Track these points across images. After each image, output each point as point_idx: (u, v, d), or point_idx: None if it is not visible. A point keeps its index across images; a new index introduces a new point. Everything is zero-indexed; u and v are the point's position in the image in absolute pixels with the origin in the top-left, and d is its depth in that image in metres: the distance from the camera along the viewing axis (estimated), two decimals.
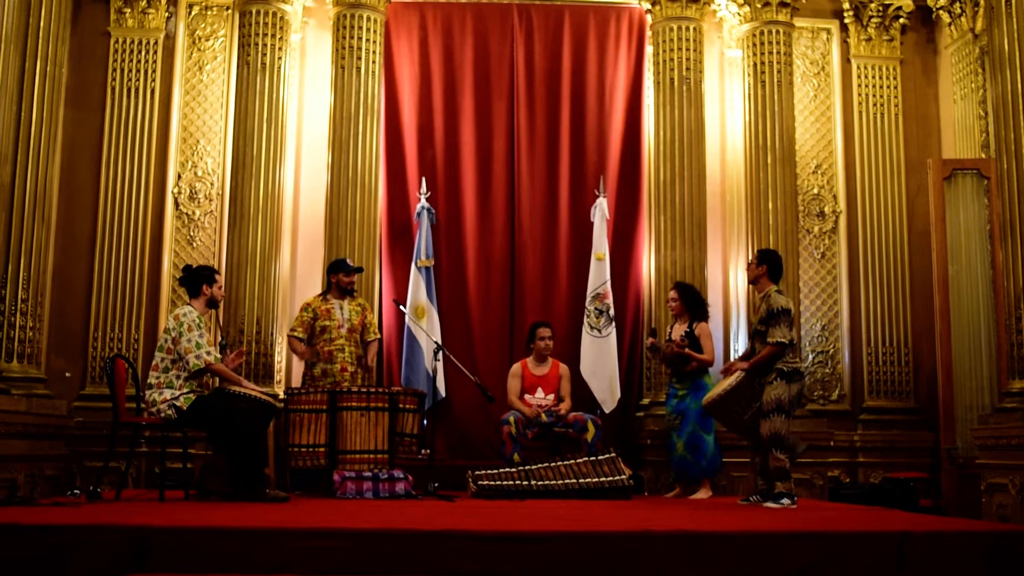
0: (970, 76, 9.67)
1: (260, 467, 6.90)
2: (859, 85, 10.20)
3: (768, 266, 7.56)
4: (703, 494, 8.26)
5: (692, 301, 8.59)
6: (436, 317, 9.46)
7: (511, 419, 8.39)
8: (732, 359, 7.89)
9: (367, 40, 9.56)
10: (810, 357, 9.89)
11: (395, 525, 4.87)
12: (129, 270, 9.44)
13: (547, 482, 7.79)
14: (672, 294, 8.67)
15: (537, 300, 9.74)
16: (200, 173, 9.72)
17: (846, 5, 10.17)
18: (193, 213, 9.66)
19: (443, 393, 9.21)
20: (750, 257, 9.38)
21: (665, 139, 9.66)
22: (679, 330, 8.49)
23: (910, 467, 9.41)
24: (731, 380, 7.38)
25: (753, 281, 7.74)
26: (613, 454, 7.96)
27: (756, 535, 4.85)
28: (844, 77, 10.28)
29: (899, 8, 10.16)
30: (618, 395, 9.34)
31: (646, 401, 9.53)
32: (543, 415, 8.51)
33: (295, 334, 8.43)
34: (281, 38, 9.48)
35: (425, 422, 8.32)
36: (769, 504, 7.07)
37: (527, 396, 8.65)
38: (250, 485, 6.73)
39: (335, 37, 9.65)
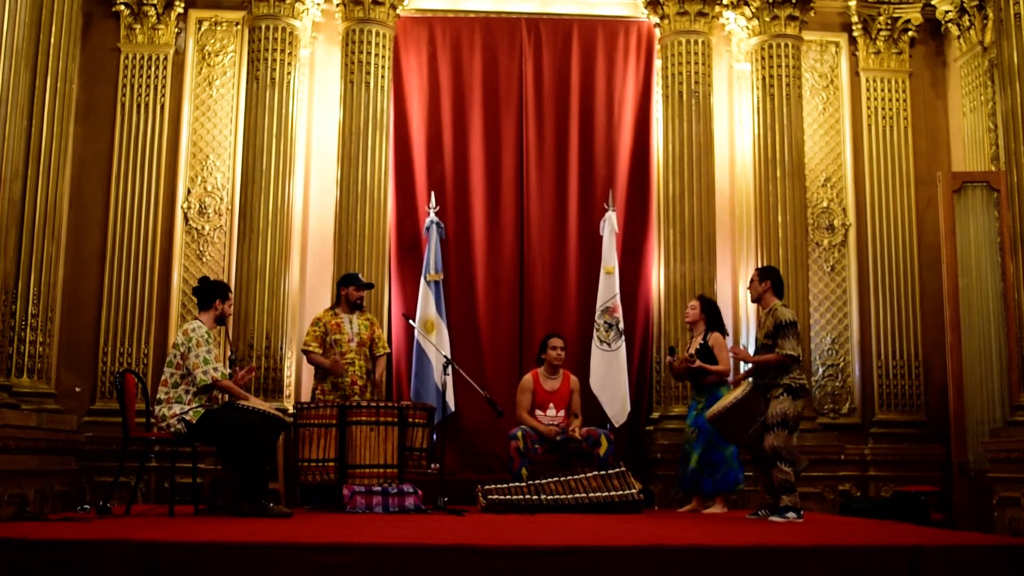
0: (979, 89, 9.67)
1: (264, 482, 6.89)
2: (868, 98, 10.20)
3: (772, 282, 7.56)
4: (717, 509, 8.22)
5: (712, 313, 8.55)
6: (445, 331, 9.45)
7: (519, 434, 8.35)
8: (742, 371, 7.84)
9: (376, 55, 9.59)
10: (820, 370, 9.87)
11: (405, 540, 4.86)
12: (139, 285, 9.45)
13: (557, 496, 7.77)
14: (693, 303, 8.63)
15: (546, 314, 9.73)
16: (209, 188, 9.74)
17: (855, 18, 10.17)
18: (202, 228, 9.68)
19: (452, 407, 9.21)
20: None
21: (674, 153, 9.66)
22: (695, 343, 8.46)
23: (921, 481, 9.37)
24: (738, 392, 7.33)
25: (757, 299, 7.71)
26: (623, 468, 7.94)
27: (767, 550, 4.83)
28: (853, 90, 10.28)
29: (908, 21, 10.17)
30: (628, 409, 9.33)
31: (656, 415, 9.52)
32: (558, 436, 8.48)
33: (310, 348, 8.39)
34: (290, 53, 9.51)
35: (435, 436, 8.31)
36: (775, 519, 7.03)
37: (538, 413, 8.60)
38: (252, 500, 6.72)
39: (344, 52, 9.68)
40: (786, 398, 7.16)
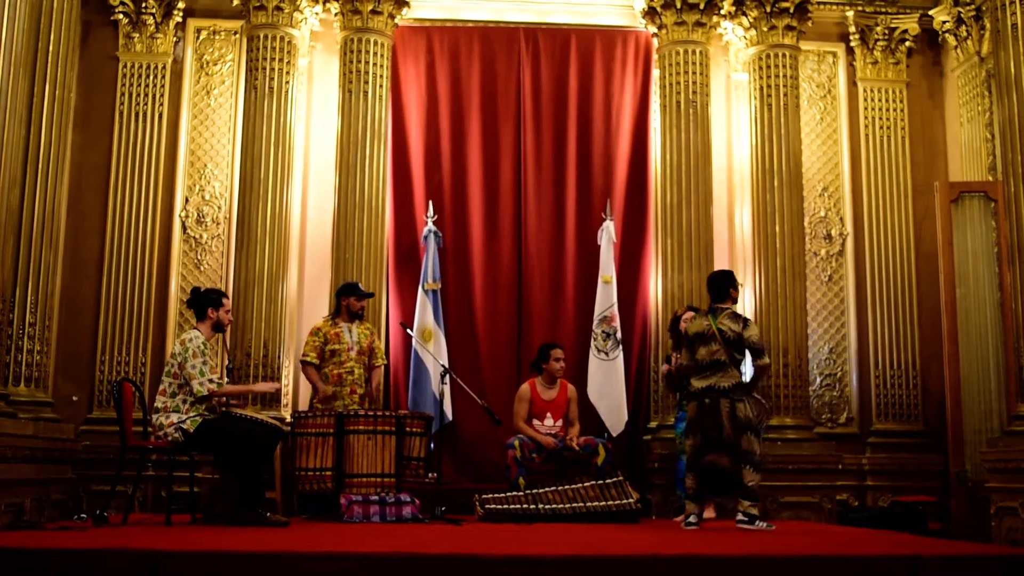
0: (976, 99, 9.68)
1: (261, 491, 6.88)
2: (865, 108, 10.22)
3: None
4: (709, 513, 8.24)
5: None
6: (443, 340, 9.45)
7: (516, 443, 8.33)
8: None
9: (374, 64, 9.59)
10: (818, 380, 9.87)
11: (402, 549, 4.86)
12: (136, 293, 9.45)
13: (554, 506, 7.75)
14: (691, 315, 8.58)
15: (544, 323, 9.72)
16: (207, 197, 9.74)
17: (852, 28, 10.20)
18: (200, 236, 9.68)
19: (450, 416, 9.21)
20: (757, 280, 9.41)
21: (672, 162, 9.66)
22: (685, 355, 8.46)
23: (919, 490, 9.38)
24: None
25: None
26: (620, 478, 7.93)
27: (765, 559, 4.83)
28: (850, 100, 10.30)
29: (905, 31, 10.20)
30: (625, 418, 9.33)
31: (653, 424, 9.51)
32: (556, 445, 8.45)
33: (308, 359, 8.36)
34: (288, 62, 9.52)
35: (432, 445, 8.30)
36: (682, 525, 7.17)
37: (535, 422, 8.58)
38: (250, 509, 6.71)
39: (342, 61, 9.69)
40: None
